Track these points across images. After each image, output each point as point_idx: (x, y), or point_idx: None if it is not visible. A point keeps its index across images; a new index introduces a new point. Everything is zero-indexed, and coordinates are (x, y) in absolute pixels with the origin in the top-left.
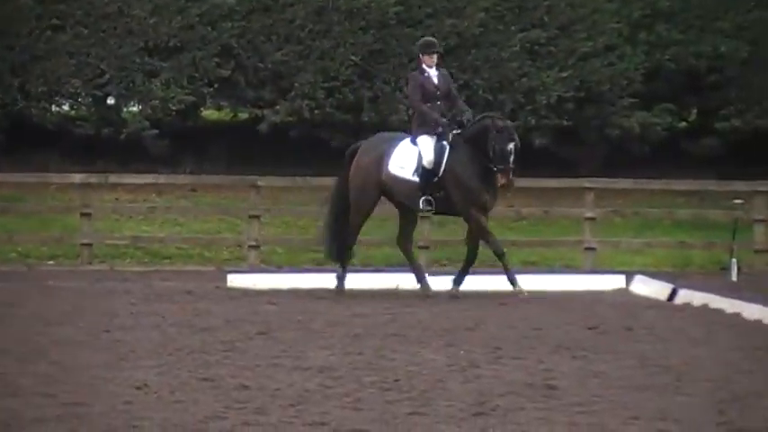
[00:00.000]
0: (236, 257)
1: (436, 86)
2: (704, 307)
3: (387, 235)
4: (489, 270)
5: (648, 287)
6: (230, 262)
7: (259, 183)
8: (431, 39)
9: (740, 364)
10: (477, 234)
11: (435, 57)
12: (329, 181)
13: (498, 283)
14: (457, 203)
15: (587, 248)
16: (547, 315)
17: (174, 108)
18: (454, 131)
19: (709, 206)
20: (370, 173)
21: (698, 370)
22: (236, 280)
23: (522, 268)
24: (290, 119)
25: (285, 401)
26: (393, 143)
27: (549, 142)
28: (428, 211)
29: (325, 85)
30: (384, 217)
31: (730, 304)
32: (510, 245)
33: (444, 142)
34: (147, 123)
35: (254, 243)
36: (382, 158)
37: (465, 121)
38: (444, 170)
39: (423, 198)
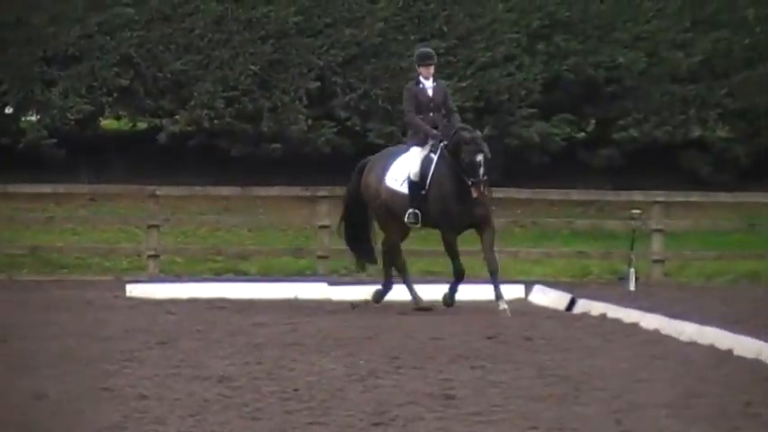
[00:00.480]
0: (135, 267)
1: (430, 98)
2: (602, 317)
3: (288, 244)
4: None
5: (547, 297)
6: (129, 271)
7: (158, 192)
8: (427, 50)
9: (637, 374)
10: (486, 245)
11: (431, 68)
12: (228, 190)
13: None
14: (435, 218)
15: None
16: (446, 325)
17: (72, 117)
18: (442, 144)
19: (608, 216)
20: (374, 188)
21: (596, 380)
22: (135, 289)
23: (422, 278)
24: (190, 128)
25: (184, 411)
26: (394, 156)
27: None
28: (412, 224)
29: (225, 94)
30: (285, 227)
31: (628, 314)
32: (411, 255)
33: (432, 155)
34: (45, 133)
35: (153, 252)
36: (383, 172)
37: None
38: (429, 183)
39: (410, 211)
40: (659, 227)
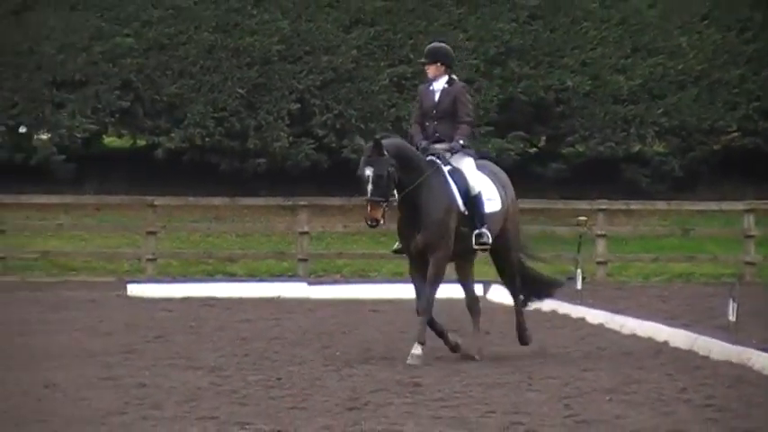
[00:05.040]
0: (135, 269)
1: (435, 103)
2: (553, 312)
3: (271, 248)
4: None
5: (502, 294)
6: (130, 273)
7: (156, 202)
8: (431, 45)
9: (584, 364)
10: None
11: (432, 68)
12: (218, 201)
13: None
14: None
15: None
16: (409, 319)
17: (79, 136)
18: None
19: (557, 223)
20: None
21: (547, 368)
22: (135, 289)
23: (391, 278)
24: (184, 145)
25: (179, 398)
26: None
27: None
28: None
29: (215, 115)
30: (269, 233)
31: (575, 310)
32: (379, 257)
33: None
34: (55, 150)
35: (151, 256)
36: None
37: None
38: None
39: None
40: (603, 232)
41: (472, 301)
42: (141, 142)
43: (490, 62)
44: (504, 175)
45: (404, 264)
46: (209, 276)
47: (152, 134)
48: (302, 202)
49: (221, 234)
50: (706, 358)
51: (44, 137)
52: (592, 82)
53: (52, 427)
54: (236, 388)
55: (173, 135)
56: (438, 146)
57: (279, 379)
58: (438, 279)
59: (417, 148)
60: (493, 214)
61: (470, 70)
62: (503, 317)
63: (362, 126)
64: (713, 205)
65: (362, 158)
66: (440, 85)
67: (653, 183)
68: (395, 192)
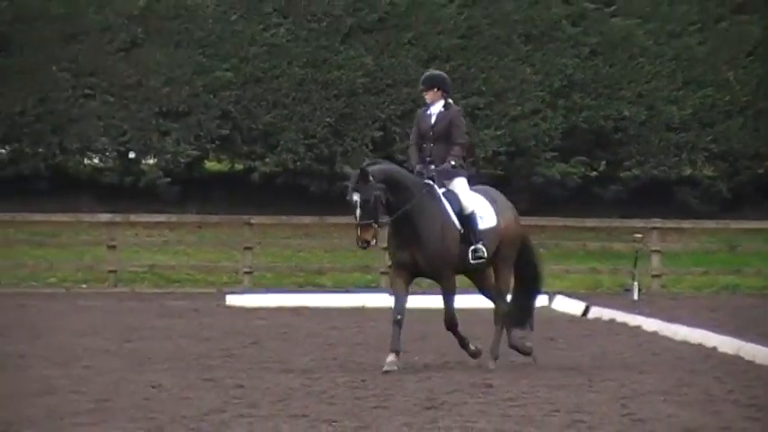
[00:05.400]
0: (233, 281)
1: (431, 126)
2: (611, 321)
3: (356, 262)
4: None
5: (566, 305)
6: (228, 285)
7: (252, 221)
8: (427, 73)
9: (640, 367)
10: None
11: (429, 93)
12: (308, 219)
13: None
14: None
15: None
16: (482, 327)
17: (182, 161)
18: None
19: (615, 240)
20: None
21: (606, 372)
22: (233, 300)
23: (463, 289)
24: (277, 169)
25: (273, 398)
26: None
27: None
28: None
29: (306, 141)
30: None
31: (632, 319)
32: None
33: None
34: (161, 173)
35: (247, 269)
36: None
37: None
38: None
39: None
40: (657, 248)
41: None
42: (239, 166)
43: (555, 94)
44: (503, 200)
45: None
46: (300, 288)
47: (249, 159)
48: (384, 220)
49: (311, 249)
50: (751, 363)
51: (151, 162)
52: (647, 112)
53: (158, 424)
54: (325, 389)
55: (267, 160)
56: (432, 167)
57: (363, 381)
58: (452, 293)
59: (413, 171)
60: (488, 230)
61: (537, 101)
62: (566, 324)
63: None
64: (757, 224)
65: (349, 186)
66: (436, 108)
67: (702, 203)
68: (384, 213)
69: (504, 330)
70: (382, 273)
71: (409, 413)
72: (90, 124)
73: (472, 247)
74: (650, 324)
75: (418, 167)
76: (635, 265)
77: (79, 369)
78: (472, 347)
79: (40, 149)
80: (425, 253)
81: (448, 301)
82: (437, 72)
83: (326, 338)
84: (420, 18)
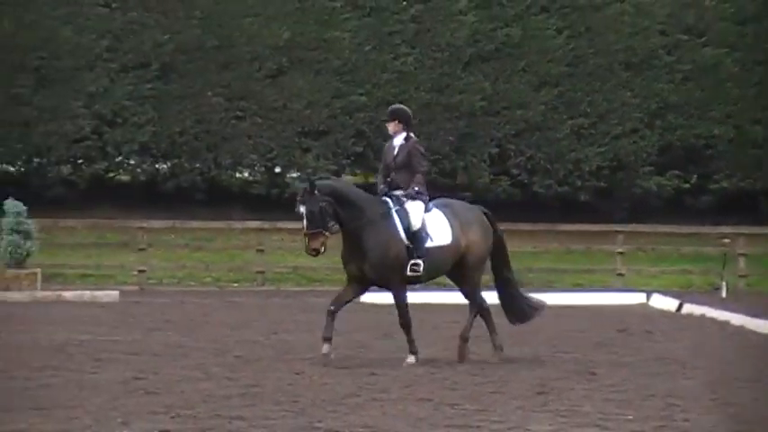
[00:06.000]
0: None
1: (393, 157)
2: (702, 316)
3: None
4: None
5: (662, 302)
6: None
7: None
8: (393, 106)
9: (728, 357)
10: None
11: (391, 125)
12: None
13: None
14: None
15: (618, 274)
16: (588, 322)
17: (322, 175)
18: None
19: (706, 244)
20: None
21: (697, 361)
22: (365, 297)
23: (572, 288)
24: None
25: (402, 384)
26: None
27: (591, 198)
28: None
29: (431, 158)
30: None
31: (721, 314)
32: (561, 272)
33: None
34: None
35: None
36: None
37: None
38: None
39: None
40: (743, 251)
41: (479, 308)
42: (371, 180)
43: (652, 115)
44: (471, 218)
45: (581, 277)
46: (425, 286)
47: None
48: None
49: None
50: None
51: (294, 175)
52: (734, 131)
53: (300, 407)
54: (447, 376)
55: None
56: (397, 192)
57: (482, 369)
58: (400, 297)
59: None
60: (437, 248)
61: (636, 122)
62: (662, 319)
63: (549, 167)
64: None
65: (298, 198)
66: (398, 141)
67: None
68: (333, 223)
69: (471, 321)
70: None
71: (522, 397)
72: (241, 142)
73: (412, 261)
74: (737, 319)
75: (383, 189)
76: (723, 267)
77: (231, 358)
78: (415, 349)
79: (197, 165)
80: (372, 263)
81: (399, 304)
82: (399, 106)
83: (449, 331)
84: (532, 48)
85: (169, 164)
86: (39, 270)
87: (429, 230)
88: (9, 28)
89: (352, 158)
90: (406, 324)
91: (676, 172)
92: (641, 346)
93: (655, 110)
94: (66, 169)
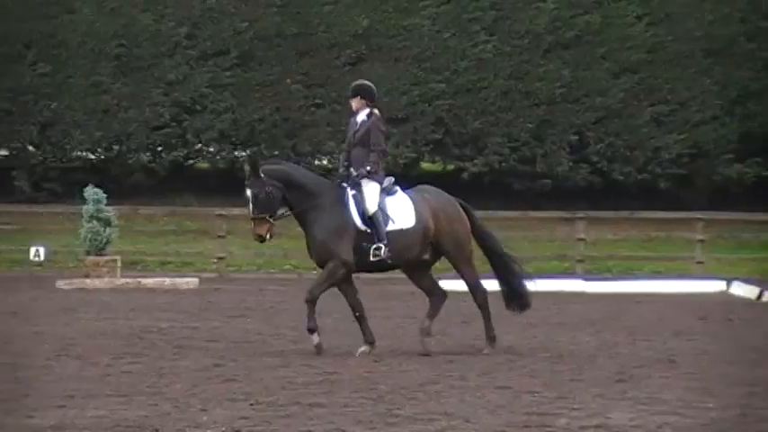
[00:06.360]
0: (444, 268)
1: (354, 133)
2: None
3: (554, 252)
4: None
5: (742, 289)
6: (440, 271)
7: None
8: (356, 82)
9: None
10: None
11: (353, 102)
12: (513, 214)
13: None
14: None
15: (698, 262)
16: (667, 309)
17: (401, 162)
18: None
19: None
20: None
21: None
22: (444, 284)
23: (652, 275)
24: (485, 169)
25: (480, 372)
26: None
27: (670, 186)
28: None
29: (510, 145)
30: (553, 239)
31: None
32: (642, 259)
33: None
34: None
35: None
36: None
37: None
38: None
39: None
40: None
41: (434, 295)
42: (450, 167)
43: (732, 102)
44: (442, 202)
45: (661, 264)
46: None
47: (459, 160)
48: (580, 215)
49: (515, 240)
50: None
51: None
52: None
53: (379, 393)
54: (526, 363)
55: (476, 161)
56: (352, 172)
57: (560, 356)
58: (324, 282)
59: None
60: (399, 231)
61: (716, 109)
62: (743, 307)
63: (628, 153)
64: None
65: (245, 182)
66: (361, 117)
67: None
68: (284, 210)
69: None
70: (577, 261)
71: (601, 385)
72: (320, 130)
73: (374, 246)
74: None
75: (341, 171)
76: None
77: (310, 345)
78: (317, 332)
79: (276, 152)
80: (315, 250)
81: (320, 282)
82: (362, 81)
83: (528, 319)
84: (611, 35)
85: (248, 151)
86: (118, 257)
87: (390, 213)
88: (89, 16)
89: (432, 146)
90: (310, 299)
91: (756, 159)
92: (721, 334)
93: (735, 97)
94: (145, 157)
